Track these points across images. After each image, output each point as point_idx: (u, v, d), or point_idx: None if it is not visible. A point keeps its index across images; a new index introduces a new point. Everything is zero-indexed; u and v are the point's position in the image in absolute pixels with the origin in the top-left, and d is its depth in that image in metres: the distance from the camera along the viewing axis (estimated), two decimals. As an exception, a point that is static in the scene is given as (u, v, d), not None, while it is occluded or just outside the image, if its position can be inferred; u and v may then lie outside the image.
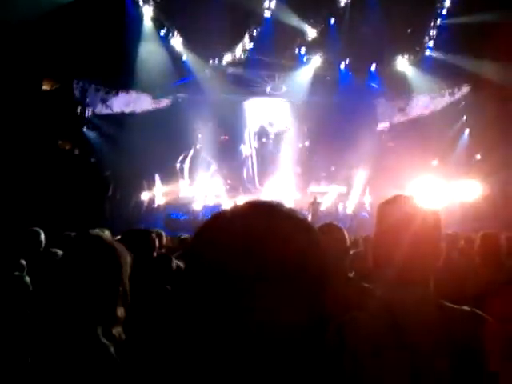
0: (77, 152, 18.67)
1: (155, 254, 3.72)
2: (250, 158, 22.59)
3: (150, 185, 20.18)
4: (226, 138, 21.82)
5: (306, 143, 22.50)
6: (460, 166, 19.75)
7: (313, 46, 20.93)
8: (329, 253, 0.97)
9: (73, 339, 1.82)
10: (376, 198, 18.75)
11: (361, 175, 20.88)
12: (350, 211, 20.26)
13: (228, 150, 22.27)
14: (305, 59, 21.35)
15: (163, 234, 4.97)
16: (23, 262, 4.21)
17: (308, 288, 0.89)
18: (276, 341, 0.87)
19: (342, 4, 20.12)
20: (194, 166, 21.53)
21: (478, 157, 19.90)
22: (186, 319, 0.92)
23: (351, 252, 4.08)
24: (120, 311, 1.95)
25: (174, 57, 20.38)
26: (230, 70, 21.13)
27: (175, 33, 20.21)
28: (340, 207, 20.40)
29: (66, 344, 1.80)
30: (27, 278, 3.72)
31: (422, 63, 20.74)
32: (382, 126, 22.26)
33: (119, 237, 3.70)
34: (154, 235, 3.74)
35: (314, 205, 18.69)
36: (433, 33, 20.47)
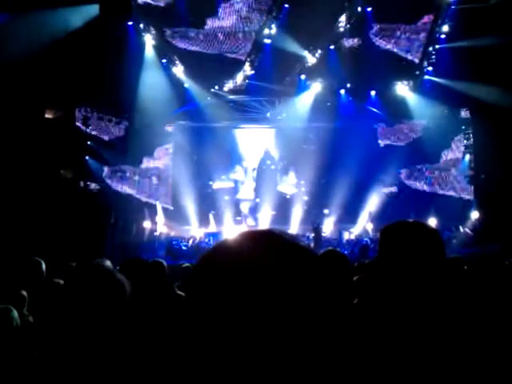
0: (78, 180, 18.69)
1: (157, 284, 3.69)
2: (251, 185, 22.59)
3: (152, 213, 20.18)
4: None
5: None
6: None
7: (313, 72, 21.06)
8: (332, 280, 0.95)
9: (74, 371, 1.79)
10: (378, 224, 18.72)
11: (364, 201, 20.86)
12: (352, 237, 20.17)
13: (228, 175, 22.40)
14: (305, 85, 21.46)
15: (164, 263, 4.93)
16: (24, 293, 4.18)
17: (311, 315, 0.88)
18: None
19: (341, 30, 20.31)
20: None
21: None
22: (188, 349, 0.91)
23: (354, 278, 4.05)
24: (120, 342, 1.93)
25: (176, 84, 20.52)
26: (231, 96, 21.25)
27: (176, 61, 20.39)
28: (343, 233, 20.31)
29: (67, 378, 1.78)
30: (15, 312, 3.62)
31: (421, 88, 20.86)
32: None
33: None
34: (151, 264, 3.71)
35: (317, 231, 18.61)
36: (431, 58, 20.64)
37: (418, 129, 21.57)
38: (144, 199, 20.65)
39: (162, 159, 21.40)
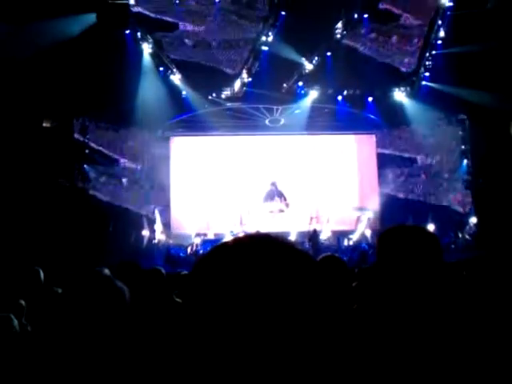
0: (76, 188, 18.65)
1: (156, 292, 3.69)
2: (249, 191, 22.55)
3: (150, 221, 20.13)
4: None
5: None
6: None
7: (310, 79, 21.09)
8: (330, 286, 0.95)
9: (74, 379, 1.79)
10: (377, 229, 18.76)
11: (363, 207, 20.88)
12: (351, 243, 20.13)
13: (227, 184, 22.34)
14: (302, 92, 21.48)
15: (163, 271, 4.93)
16: (23, 302, 4.17)
17: (309, 320, 0.88)
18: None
19: (338, 36, 20.37)
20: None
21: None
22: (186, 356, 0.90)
23: (353, 284, 4.04)
24: (120, 350, 1.93)
25: (174, 92, 20.52)
26: (229, 104, 21.25)
27: (174, 69, 20.41)
28: (341, 239, 20.27)
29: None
30: (15, 321, 3.61)
31: (418, 94, 20.89)
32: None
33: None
34: (150, 272, 3.70)
35: (314, 237, 18.58)
36: (428, 63, 20.69)
37: (417, 135, 21.56)
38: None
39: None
